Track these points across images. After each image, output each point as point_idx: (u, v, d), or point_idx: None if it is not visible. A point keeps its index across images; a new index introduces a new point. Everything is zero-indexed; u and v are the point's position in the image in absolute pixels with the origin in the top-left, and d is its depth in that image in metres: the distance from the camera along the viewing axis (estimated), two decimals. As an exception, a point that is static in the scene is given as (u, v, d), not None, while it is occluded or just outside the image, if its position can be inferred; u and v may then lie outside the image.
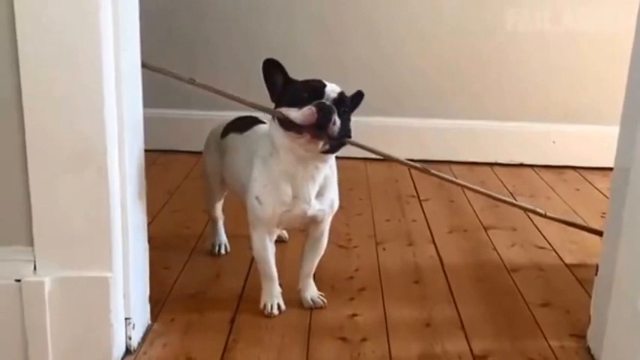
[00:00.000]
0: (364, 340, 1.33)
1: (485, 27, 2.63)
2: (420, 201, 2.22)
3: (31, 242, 1.14)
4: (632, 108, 1.20)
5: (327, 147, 1.27)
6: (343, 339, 1.34)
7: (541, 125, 2.68)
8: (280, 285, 1.45)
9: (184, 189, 2.22)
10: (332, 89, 1.30)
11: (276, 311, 1.41)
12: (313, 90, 1.28)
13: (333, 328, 1.38)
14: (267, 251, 1.40)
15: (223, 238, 1.73)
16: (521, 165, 2.67)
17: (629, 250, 1.17)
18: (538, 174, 2.57)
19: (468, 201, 2.23)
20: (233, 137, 1.54)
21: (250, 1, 2.63)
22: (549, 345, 1.33)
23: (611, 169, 1.28)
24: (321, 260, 1.70)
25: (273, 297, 1.42)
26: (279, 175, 1.32)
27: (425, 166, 1.51)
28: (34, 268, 1.15)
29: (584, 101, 2.65)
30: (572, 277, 1.66)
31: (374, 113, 2.64)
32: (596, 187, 2.42)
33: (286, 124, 1.27)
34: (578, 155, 2.65)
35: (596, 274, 1.31)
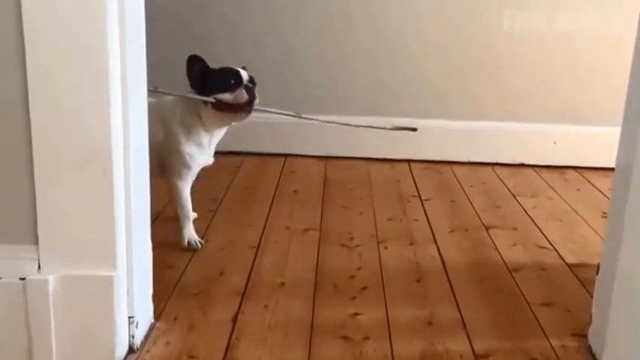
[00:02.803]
0: (366, 338, 1.34)
1: (485, 28, 2.63)
2: (421, 201, 2.23)
3: (35, 241, 1.15)
4: (634, 108, 1.20)
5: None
6: (345, 337, 1.34)
7: (542, 126, 2.68)
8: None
9: (186, 188, 2.23)
10: (243, 73, 1.67)
11: (200, 245, 1.73)
12: (234, 76, 1.65)
13: (335, 326, 1.38)
14: (189, 195, 1.74)
15: None
16: (522, 165, 2.67)
17: (631, 250, 1.17)
18: (539, 174, 2.58)
19: (470, 201, 2.23)
20: None
21: (257, 3, 2.63)
22: (551, 344, 1.34)
23: (612, 169, 1.28)
24: (323, 259, 1.71)
25: (194, 234, 1.75)
26: (204, 136, 1.70)
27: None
28: (39, 266, 1.15)
29: (585, 101, 2.65)
30: (573, 276, 1.66)
31: (376, 113, 2.65)
32: (597, 188, 2.43)
33: (221, 106, 1.64)
34: (579, 155, 2.66)
35: (597, 274, 1.32)
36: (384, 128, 1.79)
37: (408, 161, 2.67)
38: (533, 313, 1.47)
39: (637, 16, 1.21)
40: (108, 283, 1.17)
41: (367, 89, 2.69)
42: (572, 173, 2.60)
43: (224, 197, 2.17)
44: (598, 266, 1.31)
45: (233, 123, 1.70)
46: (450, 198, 2.27)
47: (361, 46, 2.66)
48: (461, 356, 1.29)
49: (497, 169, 2.62)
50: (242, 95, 1.63)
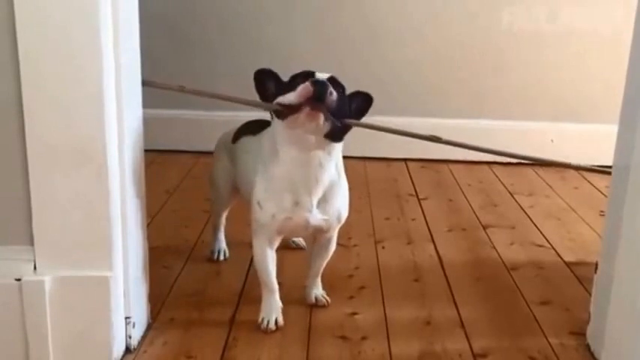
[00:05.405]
0: (364, 338, 1.34)
1: (483, 26, 2.63)
2: (418, 200, 2.22)
3: (31, 241, 1.14)
4: (631, 106, 1.20)
5: (328, 126, 1.20)
6: (343, 337, 1.34)
7: (539, 124, 2.68)
8: (280, 298, 1.39)
9: (183, 188, 2.22)
10: (321, 74, 1.25)
11: (273, 327, 1.34)
12: (303, 75, 1.23)
13: (333, 326, 1.38)
14: (267, 260, 1.34)
15: (223, 244, 1.70)
16: (520, 164, 2.67)
17: (629, 248, 1.17)
18: (536, 173, 2.58)
19: (467, 200, 2.23)
20: (245, 140, 1.46)
21: (250, 4, 2.63)
22: (549, 343, 1.34)
23: (609, 167, 1.28)
24: (321, 259, 1.70)
25: (272, 311, 1.36)
26: (280, 179, 1.27)
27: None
28: (34, 267, 1.15)
29: (582, 100, 2.65)
30: (571, 274, 1.66)
31: (374, 113, 2.64)
32: (594, 186, 2.43)
33: (284, 113, 1.21)
34: (577, 154, 2.64)
35: (595, 272, 1.31)
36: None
37: (405, 160, 2.67)
38: (532, 311, 1.46)
39: (634, 14, 1.21)
40: (104, 283, 1.16)
41: (365, 89, 2.68)
42: (569, 171, 2.60)
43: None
44: (596, 264, 1.31)
45: (312, 139, 1.22)
46: (447, 197, 2.27)
47: (359, 46, 2.66)
48: (459, 355, 1.28)
49: (495, 168, 2.62)
50: (305, 88, 1.17)
